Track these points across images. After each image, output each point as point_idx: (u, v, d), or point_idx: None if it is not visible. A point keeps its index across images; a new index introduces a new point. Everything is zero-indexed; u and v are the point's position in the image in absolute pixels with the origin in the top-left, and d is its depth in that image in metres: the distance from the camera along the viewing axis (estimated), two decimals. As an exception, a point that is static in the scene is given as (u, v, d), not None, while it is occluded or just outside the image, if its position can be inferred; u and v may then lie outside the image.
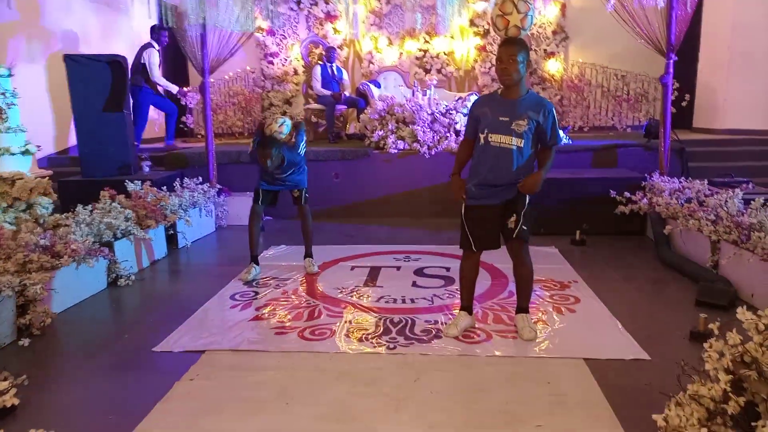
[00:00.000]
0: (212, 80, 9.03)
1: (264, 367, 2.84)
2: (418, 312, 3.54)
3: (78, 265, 3.78)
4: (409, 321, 3.39)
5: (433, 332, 3.22)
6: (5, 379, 2.46)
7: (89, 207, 4.42)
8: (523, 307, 3.24)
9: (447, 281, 4.14)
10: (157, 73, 7.52)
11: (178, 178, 5.87)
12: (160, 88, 7.73)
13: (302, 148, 4.27)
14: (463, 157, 3.21)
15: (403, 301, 3.75)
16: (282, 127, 4.09)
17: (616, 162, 6.39)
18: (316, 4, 9.32)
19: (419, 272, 4.38)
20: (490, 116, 3.01)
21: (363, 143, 6.91)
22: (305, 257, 4.54)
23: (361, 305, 3.67)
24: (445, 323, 3.33)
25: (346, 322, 3.39)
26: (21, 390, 2.48)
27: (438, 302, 3.72)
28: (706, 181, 4.91)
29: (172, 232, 5.17)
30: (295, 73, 9.56)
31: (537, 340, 3.09)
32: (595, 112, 9.20)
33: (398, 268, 4.53)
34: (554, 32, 9.21)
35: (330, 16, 9.34)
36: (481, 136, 3.02)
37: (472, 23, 9.25)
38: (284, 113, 9.63)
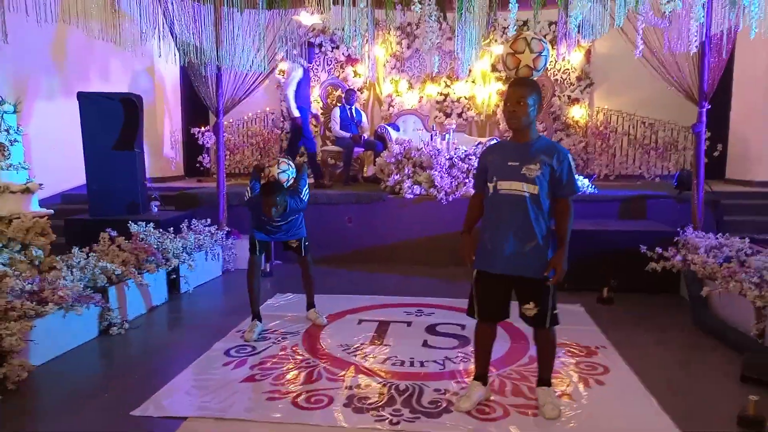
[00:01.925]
0: (231, 120, 9.05)
1: (249, 441, 2.53)
2: (427, 378, 3.20)
3: (66, 313, 3.54)
4: (417, 389, 3.04)
5: (443, 404, 2.86)
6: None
7: (86, 249, 4.21)
8: (545, 379, 2.88)
9: (461, 342, 3.79)
10: (289, 90, 7.30)
11: (186, 220, 5.69)
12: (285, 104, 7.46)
13: (305, 194, 4.02)
14: (473, 214, 2.92)
15: (412, 364, 3.40)
16: (283, 175, 3.87)
17: (645, 213, 6.03)
18: (337, 47, 9.30)
19: (431, 329, 4.04)
20: (498, 162, 2.73)
21: (379, 187, 6.67)
22: (308, 308, 4.26)
23: (364, 368, 3.34)
24: (457, 393, 2.97)
25: (346, 387, 3.06)
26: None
27: (450, 366, 3.37)
28: (747, 240, 4.52)
29: (174, 276, 4.94)
30: (314, 116, 9.47)
31: (561, 419, 2.71)
32: (622, 160, 8.88)
33: (409, 323, 4.20)
34: (578, 78, 9.02)
35: (351, 60, 9.30)
36: (490, 186, 2.73)
37: (494, 68, 9.12)
38: (302, 155, 9.53)
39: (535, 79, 2.71)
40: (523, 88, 2.63)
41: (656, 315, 4.45)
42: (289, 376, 3.21)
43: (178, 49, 5.47)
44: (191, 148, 9.23)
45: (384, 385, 3.08)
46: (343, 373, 3.26)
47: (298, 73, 7.28)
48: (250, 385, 3.10)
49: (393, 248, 6.14)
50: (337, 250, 6.15)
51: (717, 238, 4.83)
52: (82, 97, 5.75)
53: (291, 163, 4.00)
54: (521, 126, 2.65)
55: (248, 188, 3.98)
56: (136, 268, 4.36)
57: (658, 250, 4.84)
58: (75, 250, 4.11)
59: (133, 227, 4.81)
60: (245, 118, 9.16)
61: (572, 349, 3.65)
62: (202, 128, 8.86)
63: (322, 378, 3.19)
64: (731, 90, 8.10)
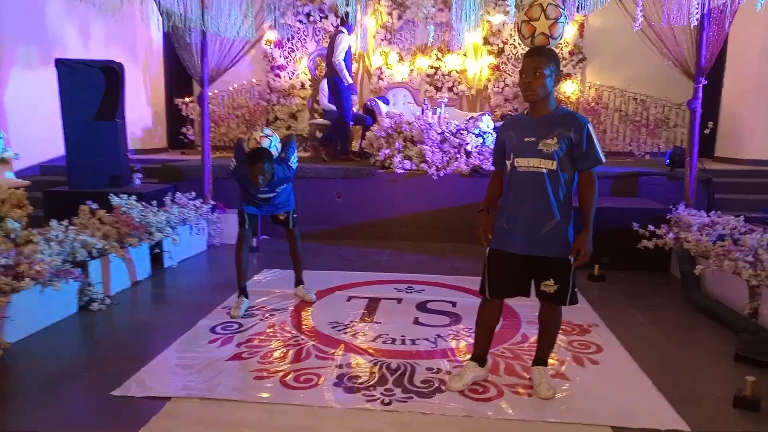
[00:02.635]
0: (216, 91, 8.79)
1: (235, 422, 2.44)
2: (419, 357, 3.13)
3: (43, 288, 3.40)
4: (409, 367, 2.97)
5: (435, 383, 2.80)
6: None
7: (65, 222, 4.04)
8: (542, 359, 2.83)
9: (453, 319, 3.72)
10: (339, 58, 6.86)
11: (170, 193, 5.52)
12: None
13: (294, 161, 3.87)
14: (493, 192, 2.79)
15: (403, 342, 3.33)
16: (264, 139, 3.69)
17: (636, 191, 5.98)
18: (326, 17, 9.04)
19: (422, 306, 3.97)
20: (515, 139, 2.61)
21: (368, 162, 6.53)
22: (296, 285, 4.16)
23: (355, 345, 3.26)
24: (449, 372, 2.91)
25: (336, 366, 2.98)
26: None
27: (441, 345, 3.30)
28: (742, 217, 4.48)
29: (158, 250, 4.80)
30: (302, 87, 9.26)
31: (556, 399, 2.66)
32: (612, 137, 8.80)
33: (399, 300, 4.12)
34: (571, 53, 8.87)
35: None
36: (508, 164, 2.62)
37: (486, 41, 8.94)
38: (288, 128, 9.33)
39: (552, 47, 2.57)
40: (539, 58, 2.49)
41: (648, 293, 4.42)
42: (276, 354, 3.12)
43: (162, 14, 5.22)
44: (175, 119, 8.98)
45: (375, 364, 3.00)
46: (333, 351, 3.18)
47: (346, 43, 6.88)
48: (237, 364, 3.01)
49: (383, 224, 6.03)
50: (326, 226, 6.03)
51: (709, 216, 4.79)
52: (60, 64, 5.49)
53: (275, 135, 3.83)
54: (538, 98, 2.52)
55: (232, 159, 3.83)
56: (118, 242, 4.21)
57: (651, 227, 4.79)
58: (53, 222, 3.94)
59: (115, 200, 4.64)
60: (231, 89, 8.90)
61: (565, 328, 3.59)
62: (187, 99, 8.62)
63: (312, 356, 3.11)
64: (724, 66, 8.02)
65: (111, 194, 4.73)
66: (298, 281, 4.17)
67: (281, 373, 2.88)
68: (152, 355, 3.10)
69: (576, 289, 2.66)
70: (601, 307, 4.01)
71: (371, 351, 3.18)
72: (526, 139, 2.56)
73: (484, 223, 2.74)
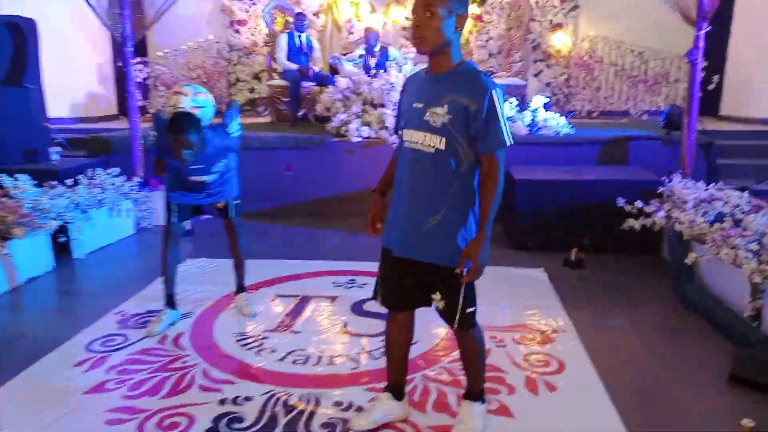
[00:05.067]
0: (166, 51, 7.96)
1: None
2: (331, 383, 2.48)
3: None
4: (312, 401, 2.34)
5: (338, 428, 2.16)
6: None
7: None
8: (471, 391, 2.17)
9: (389, 325, 3.06)
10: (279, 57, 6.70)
11: (92, 169, 4.81)
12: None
13: (236, 130, 3.00)
14: (390, 169, 2.12)
15: (318, 362, 2.68)
16: (182, 98, 2.82)
17: (626, 158, 5.23)
18: (289, -37, 8.11)
19: (357, 307, 3.31)
20: (405, 103, 1.96)
21: (325, 128, 5.78)
22: (236, 292, 3.34)
23: (254, 369, 2.61)
24: (362, 407, 2.27)
25: (219, 402, 2.34)
26: None
27: (365, 364, 2.66)
28: (747, 193, 3.75)
29: (64, 238, 4.13)
30: (266, 44, 8.40)
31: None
32: (607, 95, 7.96)
33: (333, 299, 3.46)
34: (562, 0, 7.93)
35: (305, -21, 8.13)
36: (400, 136, 1.96)
37: (467, -12, 8.01)
38: (252, 90, 8.52)
39: None
40: None
41: (632, 283, 3.75)
42: (150, 384, 2.48)
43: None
44: (124, 83, 8.17)
45: (270, 398, 2.36)
46: (225, 377, 2.54)
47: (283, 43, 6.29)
48: (96, 399, 2.37)
49: (338, 200, 5.32)
50: (275, 203, 5.33)
51: (708, 189, 4.07)
52: (-48, 20, 4.73)
53: (205, 94, 2.97)
54: (429, 48, 1.81)
55: (151, 132, 3.02)
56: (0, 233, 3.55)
57: (638, 204, 4.08)
58: None
59: (6, 181, 3.96)
60: (184, 48, 8.05)
61: (524, 335, 2.95)
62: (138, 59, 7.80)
63: (194, 386, 2.47)
64: (732, 11, 7.11)
65: (3, 175, 4.03)
66: (239, 288, 3.35)
67: (143, 415, 2.24)
68: (2, 380, 2.48)
69: (473, 310, 1.98)
70: (574, 304, 3.35)
71: (271, 376, 2.54)
72: (414, 105, 1.88)
73: (374, 208, 2.10)
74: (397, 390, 2.20)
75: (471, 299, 1.96)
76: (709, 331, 3.02)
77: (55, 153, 5.11)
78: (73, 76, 7.19)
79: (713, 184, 4.17)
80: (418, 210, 1.89)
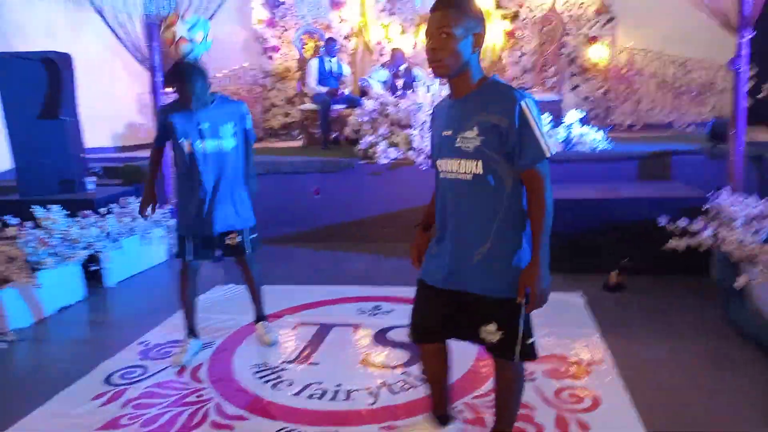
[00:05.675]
0: (202, 79, 8.13)
1: None
2: (347, 421, 2.36)
3: None
4: (326, 441, 2.22)
5: (350, 473, 2.04)
6: None
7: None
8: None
9: (412, 355, 2.90)
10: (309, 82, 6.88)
11: (128, 197, 4.90)
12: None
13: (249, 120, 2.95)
14: (432, 203, 2.03)
15: (334, 397, 2.56)
16: (183, 43, 2.89)
17: (669, 173, 4.95)
18: (319, -11, 8.23)
19: (380, 336, 3.19)
20: (436, 133, 1.88)
21: (353, 151, 5.73)
22: (256, 321, 3.24)
23: (268, 405, 2.51)
24: (381, 448, 2.14)
25: (229, 440, 2.25)
26: None
27: (383, 399, 2.52)
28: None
29: (95, 267, 4.18)
30: (298, 69, 8.50)
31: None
32: (648, 108, 7.65)
33: (356, 327, 3.34)
34: (597, 12, 7.73)
35: (335, 4, 8.20)
36: (436, 168, 1.89)
37: (498, 5, 7.91)
38: (286, 115, 8.61)
39: None
40: (447, 12, 1.66)
41: (677, 309, 3.48)
42: (162, 420, 2.41)
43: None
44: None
45: (282, 436, 2.26)
46: (238, 413, 2.45)
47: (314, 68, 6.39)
48: (108, 436, 2.33)
49: (365, 224, 5.22)
50: (302, 228, 5.29)
51: (759, 205, 3.78)
52: (-6, 59, 4.93)
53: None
54: (449, 72, 1.72)
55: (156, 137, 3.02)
56: (33, 264, 3.61)
57: (683, 221, 3.82)
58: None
59: (38, 212, 4.05)
60: (218, 75, 8.22)
61: (557, 367, 2.75)
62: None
63: (206, 422, 2.39)
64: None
65: (36, 205, 4.13)
66: (259, 317, 3.25)
67: (153, 454, 2.18)
68: (22, 413, 2.47)
69: (533, 340, 1.84)
70: (613, 332, 3.12)
71: (286, 412, 2.43)
72: (444, 134, 1.78)
73: (417, 244, 2.03)
74: (443, 416, 2.12)
75: (528, 329, 1.83)
76: (765, 363, 2.75)
77: (90, 182, 5.23)
78: (113, 106, 7.42)
79: (765, 199, 3.87)
80: (465, 242, 1.78)
